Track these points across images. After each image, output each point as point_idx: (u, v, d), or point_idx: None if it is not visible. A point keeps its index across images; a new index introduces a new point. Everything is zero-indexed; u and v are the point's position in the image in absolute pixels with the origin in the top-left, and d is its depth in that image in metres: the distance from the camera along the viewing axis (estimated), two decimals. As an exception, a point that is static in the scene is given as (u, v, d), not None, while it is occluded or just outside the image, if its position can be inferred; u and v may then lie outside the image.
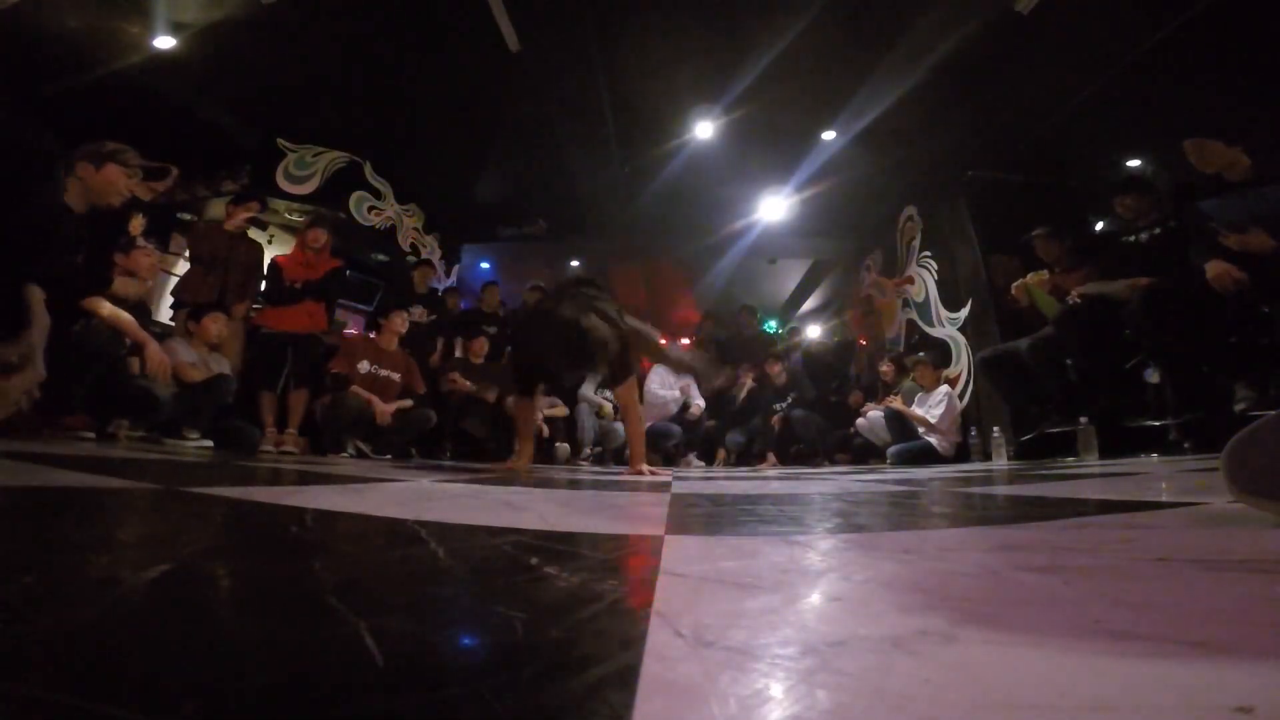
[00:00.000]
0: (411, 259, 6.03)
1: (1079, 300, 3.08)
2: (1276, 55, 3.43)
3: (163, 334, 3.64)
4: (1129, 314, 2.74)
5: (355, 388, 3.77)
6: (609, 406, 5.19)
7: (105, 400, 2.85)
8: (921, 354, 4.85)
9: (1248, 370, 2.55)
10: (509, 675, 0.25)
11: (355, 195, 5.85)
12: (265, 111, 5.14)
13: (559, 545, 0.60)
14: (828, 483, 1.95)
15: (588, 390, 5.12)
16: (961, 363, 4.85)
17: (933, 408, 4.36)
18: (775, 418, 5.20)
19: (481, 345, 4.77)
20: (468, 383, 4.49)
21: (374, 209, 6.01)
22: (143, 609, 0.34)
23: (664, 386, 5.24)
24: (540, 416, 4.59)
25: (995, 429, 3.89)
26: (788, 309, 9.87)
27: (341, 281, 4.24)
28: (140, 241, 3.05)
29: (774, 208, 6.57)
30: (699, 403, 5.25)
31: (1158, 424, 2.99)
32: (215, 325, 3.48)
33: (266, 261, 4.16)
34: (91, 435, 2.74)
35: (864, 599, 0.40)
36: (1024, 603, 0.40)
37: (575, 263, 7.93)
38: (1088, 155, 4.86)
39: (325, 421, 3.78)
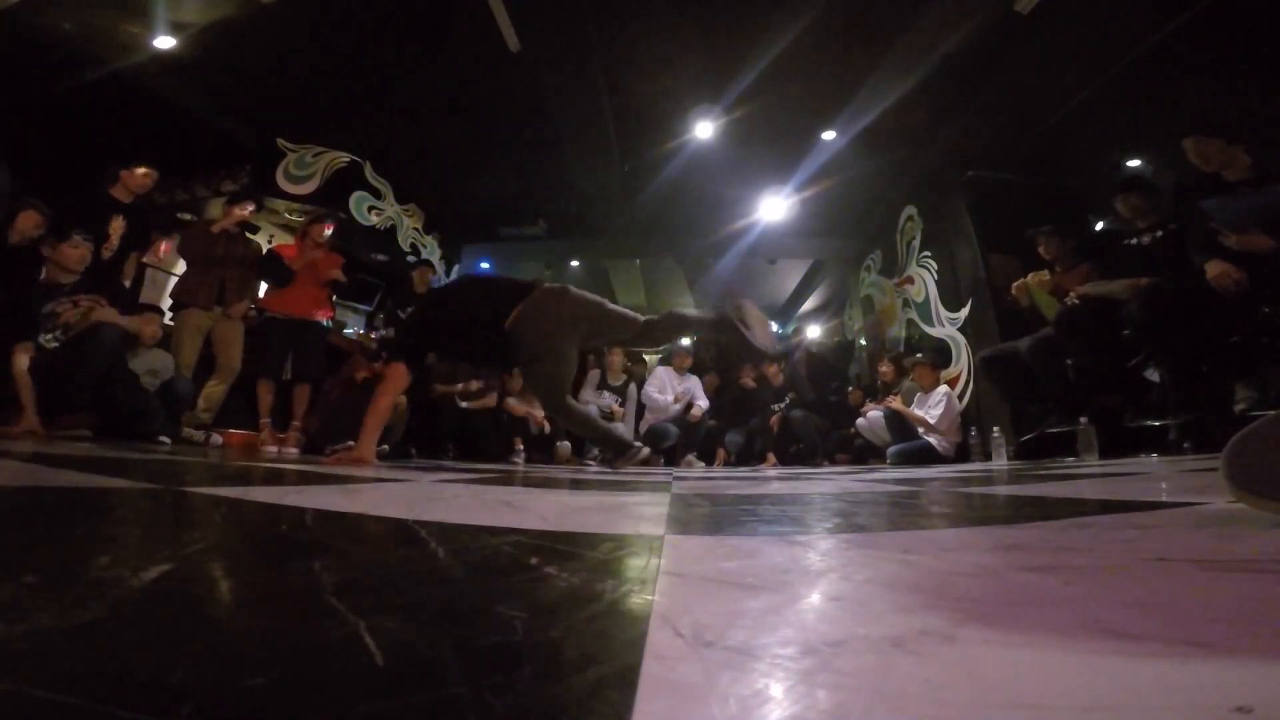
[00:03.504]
0: (411, 259, 6.03)
1: (1078, 301, 3.08)
2: (1276, 55, 3.43)
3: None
4: (1129, 314, 2.74)
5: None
6: (618, 407, 5.19)
7: (106, 405, 2.86)
8: (920, 354, 4.85)
9: (1248, 370, 2.55)
10: (509, 675, 0.25)
11: (355, 195, 5.86)
12: (265, 111, 5.14)
13: (559, 545, 0.60)
14: (828, 483, 1.95)
15: (587, 392, 5.13)
16: (961, 363, 4.85)
17: (932, 408, 4.36)
18: (774, 418, 5.20)
19: None
20: (454, 388, 4.43)
21: (374, 209, 6.01)
22: (143, 609, 0.34)
23: (661, 391, 5.24)
24: (541, 414, 4.59)
25: (995, 429, 3.89)
26: (788, 309, 9.88)
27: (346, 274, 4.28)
28: (74, 237, 3.07)
29: (774, 208, 6.57)
30: (701, 404, 5.26)
31: (1158, 424, 2.99)
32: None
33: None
34: (89, 434, 2.75)
35: (864, 599, 0.40)
36: (1024, 603, 0.40)
37: (575, 263, 7.93)
38: (1088, 155, 4.87)
39: (330, 424, 3.79)
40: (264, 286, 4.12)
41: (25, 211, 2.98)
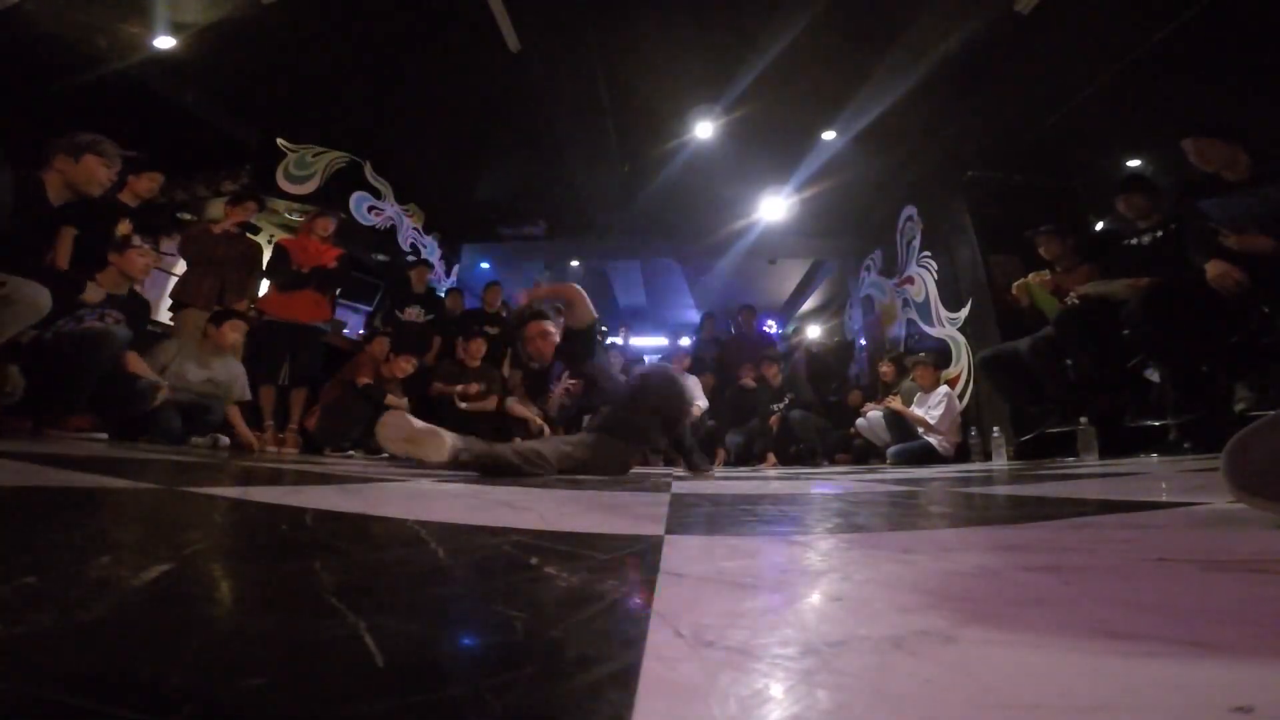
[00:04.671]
0: (411, 259, 6.04)
1: (1078, 301, 3.08)
2: (1276, 55, 3.43)
3: (162, 334, 3.63)
4: (1129, 314, 2.74)
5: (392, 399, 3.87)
6: None
7: (106, 400, 2.84)
8: (921, 354, 4.85)
9: (1248, 370, 2.54)
10: (509, 675, 0.25)
11: (355, 195, 5.86)
12: (265, 111, 5.15)
13: (559, 545, 0.60)
14: (828, 483, 1.95)
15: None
16: (961, 363, 4.85)
17: (932, 408, 4.36)
18: (773, 418, 5.20)
19: (479, 347, 4.71)
20: (454, 388, 4.43)
21: (374, 209, 6.01)
22: (143, 609, 0.34)
23: None
24: (539, 418, 4.58)
25: (995, 429, 3.89)
26: (788, 309, 9.87)
27: (347, 270, 4.25)
28: (136, 241, 3.05)
29: (774, 208, 6.58)
30: (701, 404, 5.25)
31: (1158, 424, 2.99)
32: (235, 334, 3.40)
33: (266, 257, 4.18)
34: (104, 436, 2.73)
35: (864, 599, 0.40)
36: (1024, 603, 0.40)
37: (575, 263, 7.93)
38: (1088, 155, 4.87)
39: (329, 425, 3.79)
40: (264, 287, 4.12)
41: (87, 156, 2.40)
